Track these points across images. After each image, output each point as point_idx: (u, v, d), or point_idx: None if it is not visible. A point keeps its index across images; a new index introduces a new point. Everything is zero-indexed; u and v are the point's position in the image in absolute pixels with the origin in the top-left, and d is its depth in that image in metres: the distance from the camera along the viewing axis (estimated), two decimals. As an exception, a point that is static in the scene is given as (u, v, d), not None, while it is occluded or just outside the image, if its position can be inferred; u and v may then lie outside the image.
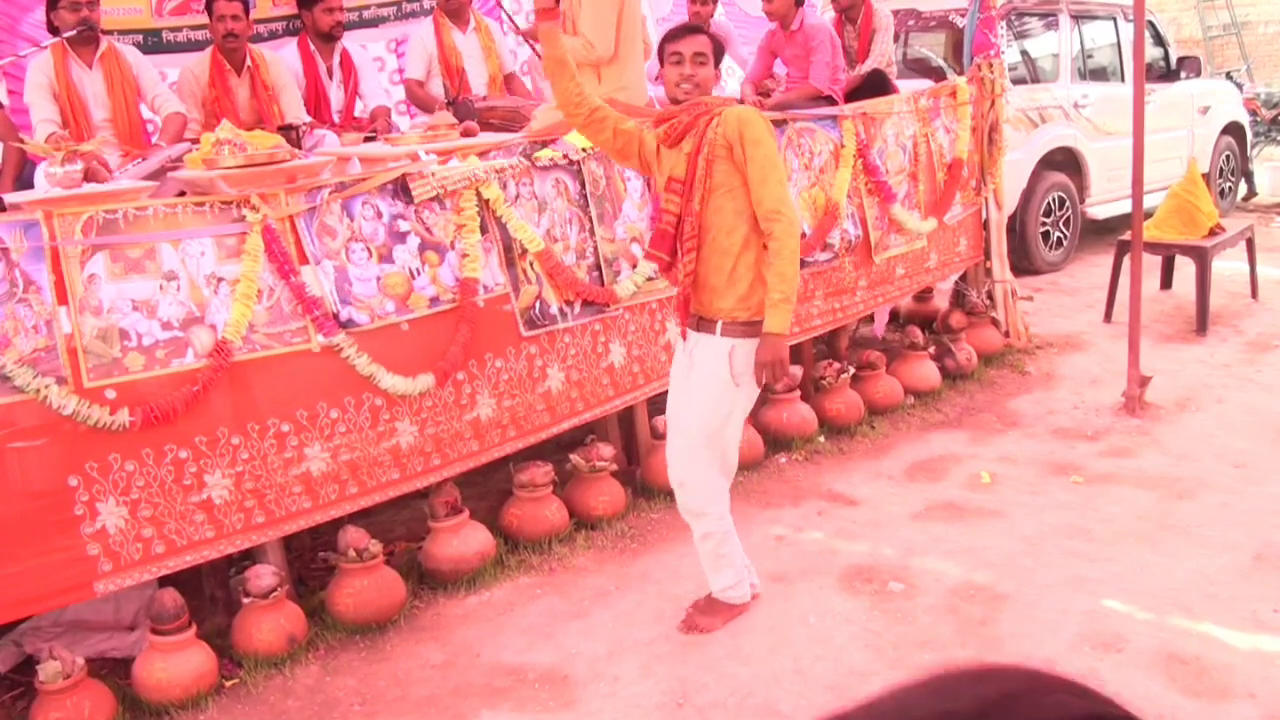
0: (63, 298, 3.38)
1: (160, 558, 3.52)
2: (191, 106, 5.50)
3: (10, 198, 4.12)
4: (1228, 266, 7.89)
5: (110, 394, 3.43)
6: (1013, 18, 8.47)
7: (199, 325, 3.61)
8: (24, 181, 4.86)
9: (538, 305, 4.40)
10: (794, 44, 6.43)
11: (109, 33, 5.44)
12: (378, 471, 3.97)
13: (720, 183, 3.46)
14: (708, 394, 3.61)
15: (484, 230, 4.26)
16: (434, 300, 4.12)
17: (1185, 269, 7.50)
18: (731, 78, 7.95)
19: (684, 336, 3.73)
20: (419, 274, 4.10)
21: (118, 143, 5.01)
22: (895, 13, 7.27)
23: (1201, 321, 7.01)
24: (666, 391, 4.93)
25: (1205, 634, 3.60)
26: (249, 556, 3.93)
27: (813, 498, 4.87)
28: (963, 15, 6.63)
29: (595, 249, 4.61)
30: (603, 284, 4.60)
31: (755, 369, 3.53)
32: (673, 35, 3.60)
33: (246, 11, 5.59)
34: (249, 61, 5.61)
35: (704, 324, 3.60)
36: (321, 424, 3.82)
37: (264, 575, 3.74)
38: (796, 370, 5.40)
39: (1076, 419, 5.66)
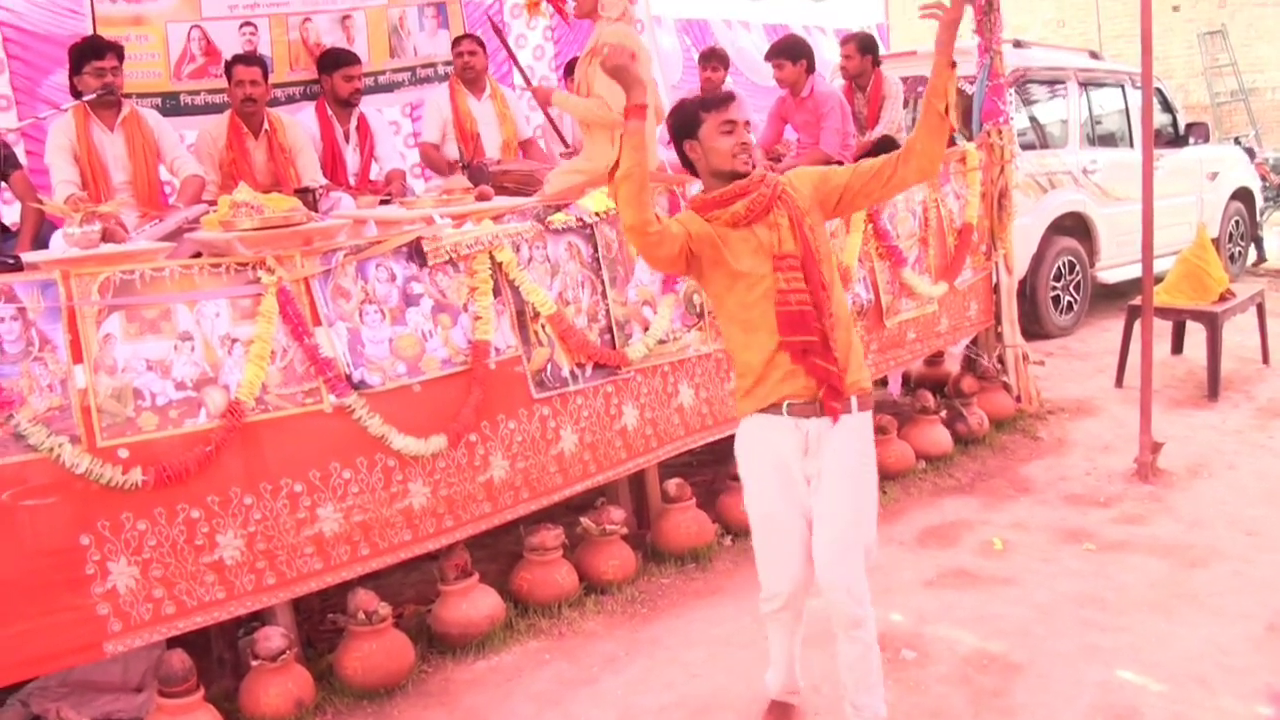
0: (78, 357, 3.40)
1: (170, 618, 3.51)
2: (209, 168, 5.56)
3: (28, 257, 4.16)
4: (1238, 332, 7.88)
5: (123, 453, 3.43)
6: (1021, 84, 8.55)
7: (212, 385, 3.63)
8: (41, 241, 4.90)
9: (549, 368, 4.42)
10: (804, 110, 6.50)
11: (128, 96, 5.52)
12: (389, 533, 3.96)
13: (826, 252, 3.21)
14: (866, 475, 3.26)
15: (497, 293, 4.28)
16: (446, 362, 4.14)
17: (1196, 334, 7.49)
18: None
19: (831, 418, 3.19)
20: (431, 336, 4.12)
21: (135, 204, 5.06)
22: (904, 80, 7.35)
23: (1213, 387, 7.00)
24: (679, 454, 4.96)
25: (1219, 706, 3.56)
26: (258, 617, 3.91)
27: (824, 562, 4.83)
28: (971, 82, 6.69)
29: (607, 312, 4.63)
30: (614, 346, 4.62)
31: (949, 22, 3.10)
32: (718, 103, 3.20)
33: (265, 77, 5.68)
34: (266, 125, 5.69)
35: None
36: (334, 484, 3.82)
37: (273, 637, 3.72)
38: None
39: (1089, 485, 5.64)
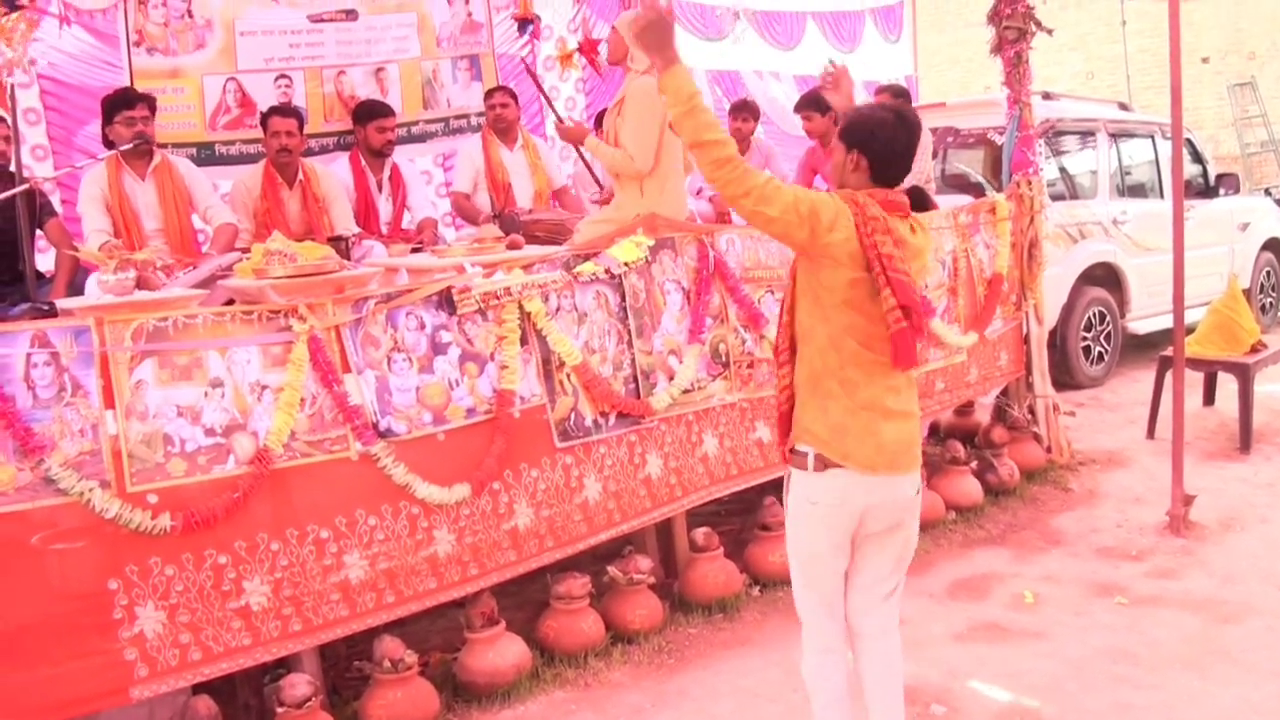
0: (110, 402, 3.43)
1: (197, 664, 3.51)
2: (243, 217, 5.64)
3: (62, 303, 4.21)
4: (1270, 383, 7.81)
5: (152, 498, 3.46)
6: (1051, 135, 8.56)
7: (241, 432, 3.65)
8: (76, 288, 4.97)
9: (573, 417, 4.42)
10: (833, 160, 6.51)
11: (164, 145, 5.61)
12: (415, 580, 3.96)
13: (800, 290, 3.05)
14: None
15: (523, 341, 4.30)
16: (470, 411, 4.15)
17: (1227, 385, 7.43)
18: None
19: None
20: (457, 385, 4.13)
21: (168, 251, 5.12)
22: (934, 130, 7.38)
23: (1245, 439, 6.93)
24: (705, 504, 4.95)
25: (1257, 765, 3.50)
26: (284, 664, 3.91)
27: (852, 614, 4.79)
28: (1001, 133, 6.72)
29: (632, 361, 4.64)
30: (639, 396, 4.62)
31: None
32: None
33: (300, 128, 5.76)
34: (300, 174, 5.76)
35: None
36: (360, 531, 3.83)
37: (299, 684, 3.71)
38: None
39: (1120, 538, 5.57)
